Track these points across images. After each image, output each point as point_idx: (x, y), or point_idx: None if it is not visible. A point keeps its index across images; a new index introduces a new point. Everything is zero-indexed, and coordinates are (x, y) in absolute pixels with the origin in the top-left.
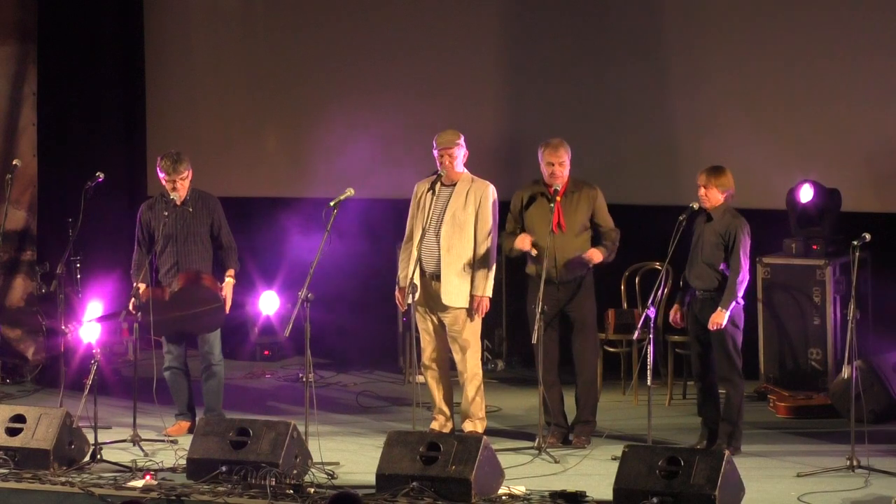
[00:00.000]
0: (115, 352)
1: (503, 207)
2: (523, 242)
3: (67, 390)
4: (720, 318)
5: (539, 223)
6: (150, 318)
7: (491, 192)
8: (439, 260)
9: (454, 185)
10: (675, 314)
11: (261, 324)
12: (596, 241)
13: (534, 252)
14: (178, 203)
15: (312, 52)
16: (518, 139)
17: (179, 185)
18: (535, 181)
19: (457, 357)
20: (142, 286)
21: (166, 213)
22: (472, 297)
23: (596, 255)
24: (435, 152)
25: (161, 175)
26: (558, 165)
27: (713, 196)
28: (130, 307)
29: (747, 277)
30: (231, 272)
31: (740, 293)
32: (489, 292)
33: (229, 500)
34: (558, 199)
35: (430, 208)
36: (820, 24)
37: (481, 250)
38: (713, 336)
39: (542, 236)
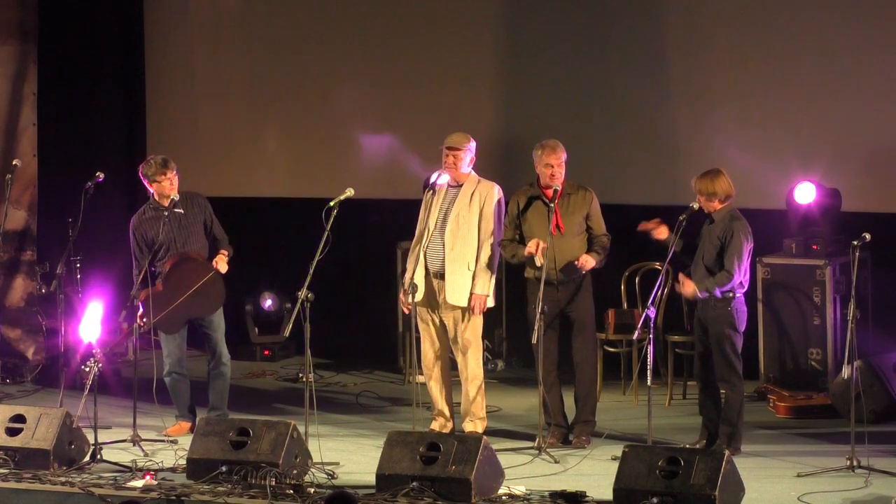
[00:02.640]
0: (115, 352)
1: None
2: (534, 247)
3: (67, 390)
4: (689, 289)
5: (537, 226)
6: (153, 320)
7: (496, 193)
8: (444, 259)
9: (460, 185)
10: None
11: (260, 321)
12: (589, 244)
13: (540, 258)
14: (171, 206)
15: (312, 53)
16: (517, 140)
17: (168, 185)
18: (531, 184)
19: (458, 357)
20: (141, 293)
21: (166, 214)
22: (471, 295)
23: (589, 262)
24: (443, 150)
25: (153, 178)
26: (558, 167)
27: (705, 203)
28: (138, 319)
29: (739, 277)
30: (223, 251)
31: (719, 292)
32: (488, 291)
33: (229, 500)
34: (556, 200)
35: (435, 208)
36: (820, 24)
37: (484, 250)
38: (712, 338)
39: (541, 238)
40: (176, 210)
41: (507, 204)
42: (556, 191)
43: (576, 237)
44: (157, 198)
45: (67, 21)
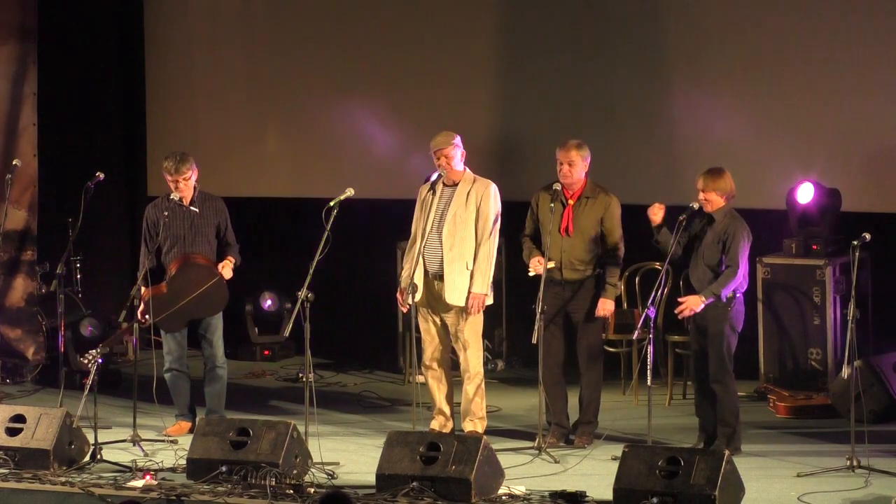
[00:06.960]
0: (115, 352)
1: (506, 207)
2: (535, 268)
3: (67, 390)
4: (695, 304)
5: (548, 223)
6: (153, 318)
7: (492, 191)
8: (442, 260)
9: (456, 184)
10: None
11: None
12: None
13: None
14: (186, 203)
15: (312, 53)
16: (517, 140)
17: (182, 185)
18: (556, 181)
19: (459, 356)
20: (143, 289)
21: (166, 213)
22: (469, 293)
23: (608, 307)
24: (432, 155)
25: (165, 171)
26: (566, 164)
27: (713, 199)
28: (139, 315)
29: (741, 279)
30: (230, 258)
31: (727, 291)
32: (486, 290)
33: (229, 500)
34: (571, 202)
35: (432, 208)
36: (820, 24)
37: (482, 249)
38: (710, 337)
39: (547, 234)
40: (191, 208)
41: (504, 203)
42: (555, 190)
43: (586, 240)
44: (172, 191)
45: (67, 21)
